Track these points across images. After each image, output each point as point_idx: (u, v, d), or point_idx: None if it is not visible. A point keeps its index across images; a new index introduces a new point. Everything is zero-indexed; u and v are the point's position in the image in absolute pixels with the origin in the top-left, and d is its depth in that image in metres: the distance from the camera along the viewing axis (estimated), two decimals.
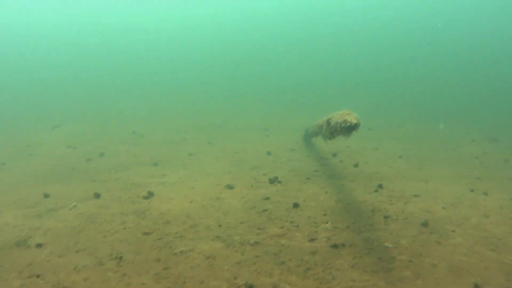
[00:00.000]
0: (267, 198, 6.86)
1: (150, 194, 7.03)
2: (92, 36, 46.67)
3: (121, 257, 4.59)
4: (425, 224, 5.64)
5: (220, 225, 5.60)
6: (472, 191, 7.59)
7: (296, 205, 6.43)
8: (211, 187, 7.62)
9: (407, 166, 9.59)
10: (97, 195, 7.01)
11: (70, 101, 24.74)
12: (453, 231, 5.49)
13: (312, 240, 5.15)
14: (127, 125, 16.18)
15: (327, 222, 5.73)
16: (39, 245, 4.94)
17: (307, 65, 44.01)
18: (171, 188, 7.56)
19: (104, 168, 9.33)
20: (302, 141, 12.72)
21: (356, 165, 9.28)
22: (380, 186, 7.54)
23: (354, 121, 5.82)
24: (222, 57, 46.16)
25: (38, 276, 4.19)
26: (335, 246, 4.92)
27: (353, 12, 51.26)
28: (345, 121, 5.90)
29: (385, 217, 5.92)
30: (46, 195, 7.12)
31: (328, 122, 6.75)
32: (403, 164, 9.75)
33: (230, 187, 7.60)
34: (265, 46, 49.27)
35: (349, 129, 5.87)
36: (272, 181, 7.91)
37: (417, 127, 17.32)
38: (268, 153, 10.70)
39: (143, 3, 51.80)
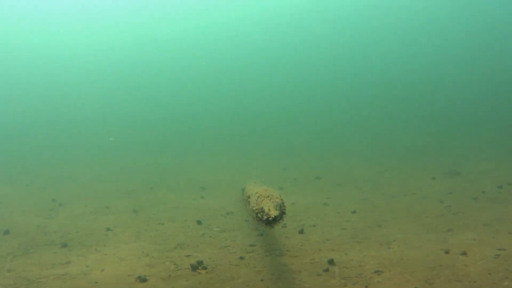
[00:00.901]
0: None
1: None
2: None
3: None
4: None
5: None
6: (446, 252, 5.97)
7: None
8: (119, 281, 5.74)
9: (363, 224, 7.92)
10: None
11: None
12: None
13: None
14: (51, 190, 14.14)
15: None
16: None
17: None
18: (69, 286, 5.69)
19: (2, 253, 7.35)
20: (243, 200, 10.98)
21: (301, 231, 7.52)
22: (331, 262, 5.80)
23: (273, 214, 4.24)
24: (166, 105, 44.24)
25: None
26: None
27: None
28: (262, 211, 4.28)
29: None
30: None
31: (248, 201, 5.12)
32: (358, 222, 8.07)
33: (142, 279, 5.72)
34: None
35: (267, 223, 4.24)
36: (195, 267, 6.06)
37: (368, 169, 15.91)
38: (199, 222, 8.84)
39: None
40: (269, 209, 4.15)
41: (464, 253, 5.85)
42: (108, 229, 8.69)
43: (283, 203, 4.51)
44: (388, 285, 4.91)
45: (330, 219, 8.44)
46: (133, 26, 51.15)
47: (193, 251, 6.85)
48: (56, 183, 15.72)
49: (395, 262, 5.66)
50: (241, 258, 6.34)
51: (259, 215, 4.26)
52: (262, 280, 5.37)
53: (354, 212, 8.87)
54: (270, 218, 4.15)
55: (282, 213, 4.27)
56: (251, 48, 50.30)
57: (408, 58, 45.91)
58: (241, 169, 17.87)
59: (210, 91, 45.65)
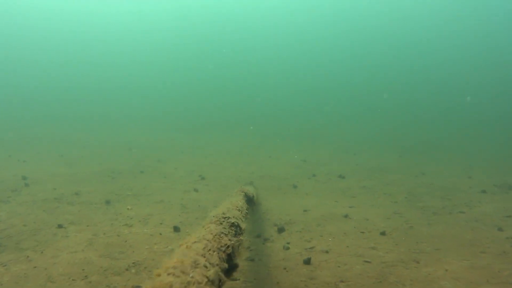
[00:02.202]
0: None
1: None
2: None
3: None
4: None
5: None
6: None
7: None
8: None
9: (395, 255, 5.66)
10: None
11: None
12: None
13: None
14: (30, 165, 12.46)
15: None
16: None
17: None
18: None
19: None
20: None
21: (307, 261, 5.34)
22: None
23: None
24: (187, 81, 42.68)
25: None
26: None
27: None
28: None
29: None
30: None
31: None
32: (387, 252, 5.81)
33: None
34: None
35: None
36: None
37: (402, 169, 13.58)
38: (176, 229, 6.78)
39: None
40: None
41: None
42: (60, 226, 6.75)
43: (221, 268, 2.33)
44: None
45: (351, 241, 6.25)
46: None
47: (148, 279, 4.78)
48: (42, 157, 14.00)
49: None
50: None
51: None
52: None
53: (383, 233, 6.63)
54: None
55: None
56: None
57: (456, 56, 43.31)
58: (255, 157, 15.80)
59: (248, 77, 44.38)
